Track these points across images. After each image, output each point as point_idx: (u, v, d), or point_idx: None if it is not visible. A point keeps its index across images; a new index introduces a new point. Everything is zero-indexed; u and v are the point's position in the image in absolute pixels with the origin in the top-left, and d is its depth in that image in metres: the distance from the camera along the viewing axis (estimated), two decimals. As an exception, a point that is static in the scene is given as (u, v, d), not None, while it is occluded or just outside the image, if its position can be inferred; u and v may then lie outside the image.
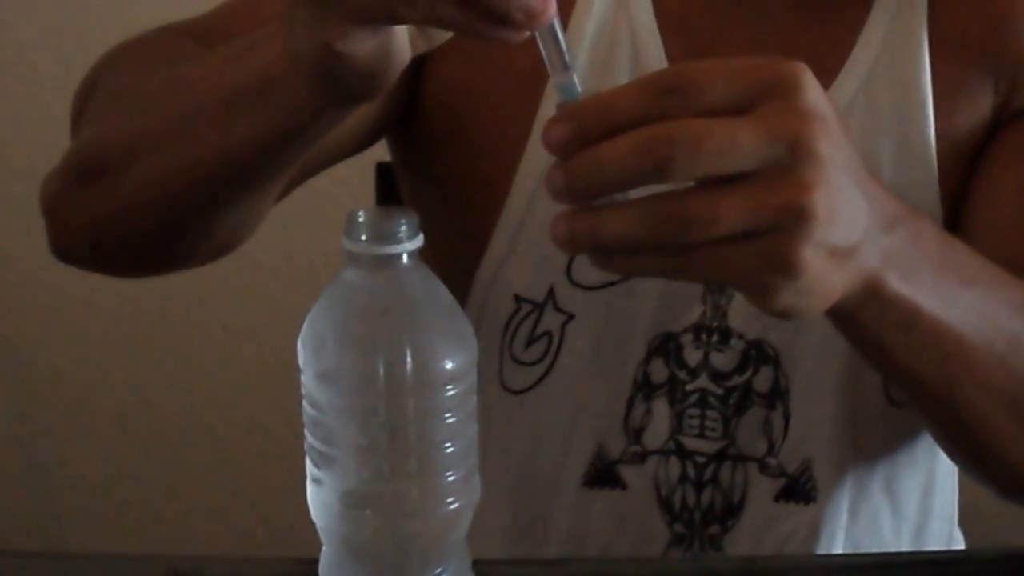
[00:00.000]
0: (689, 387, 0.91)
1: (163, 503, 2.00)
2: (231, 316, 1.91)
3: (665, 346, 0.92)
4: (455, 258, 0.96)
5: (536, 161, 0.90)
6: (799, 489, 0.92)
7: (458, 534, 0.69)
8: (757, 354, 0.91)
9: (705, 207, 0.60)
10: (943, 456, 0.90)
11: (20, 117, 1.83)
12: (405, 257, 0.66)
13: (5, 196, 1.81)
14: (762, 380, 0.91)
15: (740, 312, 0.90)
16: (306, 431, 0.68)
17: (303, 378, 0.67)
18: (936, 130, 0.88)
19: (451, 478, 0.67)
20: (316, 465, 0.67)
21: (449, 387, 0.66)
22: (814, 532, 0.92)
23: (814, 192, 0.60)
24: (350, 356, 0.66)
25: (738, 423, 0.91)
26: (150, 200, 0.81)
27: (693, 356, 0.91)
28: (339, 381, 0.66)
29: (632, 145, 0.60)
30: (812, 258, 0.61)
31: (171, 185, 0.80)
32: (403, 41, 0.70)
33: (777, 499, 0.92)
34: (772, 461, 0.92)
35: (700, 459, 0.92)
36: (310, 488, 0.68)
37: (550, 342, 0.93)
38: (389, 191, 1.08)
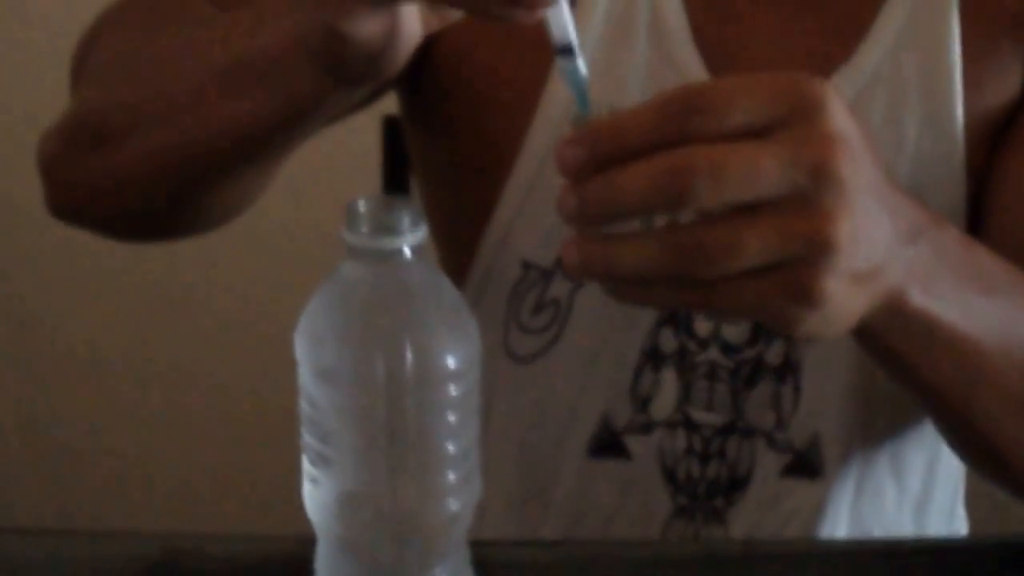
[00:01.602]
0: (699, 358, 0.89)
1: (160, 480, 1.99)
2: (231, 291, 1.90)
3: (675, 316, 0.89)
4: (462, 219, 0.93)
5: (548, 122, 0.88)
6: (806, 464, 0.90)
7: (458, 533, 0.67)
8: None
9: (727, 240, 0.57)
10: None
11: (25, 63, 1.80)
12: (407, 250, 0.64)
13: (14, 142, 1.80)
14: (773, 353, 0.89)
15: None
16: (302, 428, 0.66)
17: (300, 373, 0.65)
18: (964, 102, 0.85)
19: (452, 478, 0.65)
20: (313, 464, 0.65)
21: (451, 385, 0.64)
22: (819, 508, 0.90)
23: (839, 222, 0.57)
24: (349, 354, 0.63)
25: (747, 396, 0.89)
26: (151, 171, 0.79)
27: (704, 327, 0.89)
28: (338, 379, 0.63)
29: (650, 173, 0.57)
30: (836, 287, 0.59)
31: (173, 158, 0.78)
32: (412, 22, 0.67)
33: (783, 474, 0.90)
34: (780, 435, 0.90)
35: (707, 432, 0.90)
36: (306, 486, 0.66)
37: (558, 310, 0.91)
38: (395, 146, 1.06)
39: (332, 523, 0.66)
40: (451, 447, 0.65)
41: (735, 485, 0.91)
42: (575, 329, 0.91)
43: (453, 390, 0.64)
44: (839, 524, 0.91)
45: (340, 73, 0.69)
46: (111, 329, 1.96)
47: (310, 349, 0.64)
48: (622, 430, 0.91)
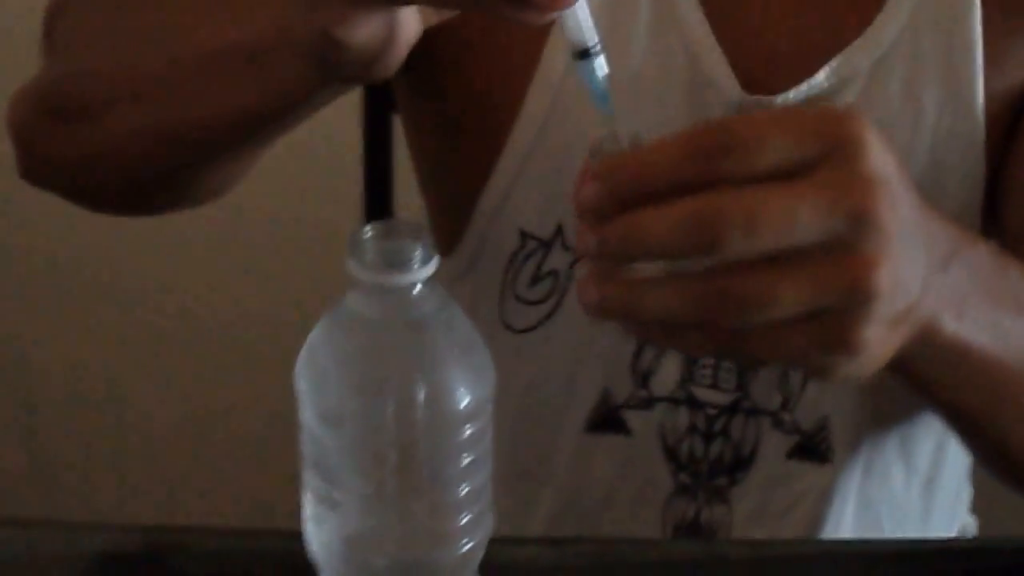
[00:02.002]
0: None
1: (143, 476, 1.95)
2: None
3: None
4: (456, 186, 0.88)
5: (547, 86, 0.83)
6: (814, 448, 0.87)
7: (469, 570, 0.64)
8: None
9: (762, 288, 0.53)
10: None
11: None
12: (419, 285, 0.59)
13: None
14: None
15: None
16: (305, 466, 0.62)
17: (302, 413, 0.61)
18: (984, 78, 0.81)
19: (465, 519, 0.62)
20: (317, 503, 0.62)
21: (466, 426, 0.60)
22: (827, 493, 0.88)
23: (879, 269, 0.54)
24: (356, 396, 0.59)
25: (753, 376, 0.86)
26: (130, 151, 0.74)
27: None
28: (343, 423, 0.59)
29: (679, 219, 0.53)
30: (874, 333, 0.55)
31: (152, 140, 0.73)
32: (411, 23, 0.62)
33: (789, 456, 0.87)
34: (787, 416, 0.87)
35: (711, 410, 0.87)
36: (308, 525, 0.63)
37: (556, 281, 0.87)
38: (377, 105, 1.01)
39: (337, 563, 0.62)
40: (465, 488, 0.61)
41: (739, 465, 0.88)
42: (574, 301, 0.86)
43: (468, 430, 0.60)
44: (846, 507, 0.89)
45: (333, 74, 0.64)
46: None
47: (313, 389, 0.60)
48: (621, 405, 0.88)
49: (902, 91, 0.81)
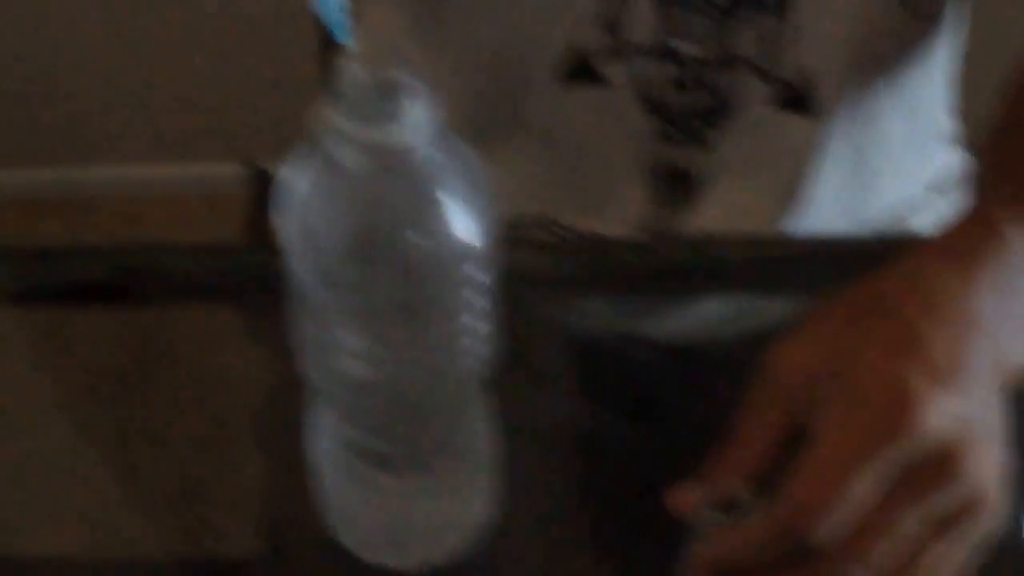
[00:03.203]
0: None
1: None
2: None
3: None
4: None
5: None
6: (799, 100, 0.82)
7: (469, 395, 0.62)
8: None
9: None
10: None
11: None
12: (414, 142, 0.52)
13: None
14: None
15: None
16: (296, 307, 0.57)
17: (288, 260, 0.55)
18: None
19: (464, 346, 0.58)
20: (312, 342, 0.58)
21: (464, 265, 0.56)
22: (813, 144, 0.84)
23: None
24: (346, 258, 0.54)
25: (734, 27, 0.79)
26: None
27: None
28: (333, 283, 0.54)
29: None
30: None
31: None
32: None
33: (774, 107, 0.83)
34: (770, 68, 0.81)
35: (690, 62, 0.81)
36: (309, 354, 0.59)
37: None
38: None
39: (336, 392, 0.59)
40: (465, 318, 0.57)
41: (721, 113, 0.83)
42: None
43: (466, 268, 0.56)
44: (839, 162, 0.85)
45: None
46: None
47: (299, 247, 0.54)
48: (592, 54, 0.82)
49: None
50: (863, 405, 0.56)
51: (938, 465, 0.56)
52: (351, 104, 0.52)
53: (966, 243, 0.62)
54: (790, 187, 0.85)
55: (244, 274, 0.78)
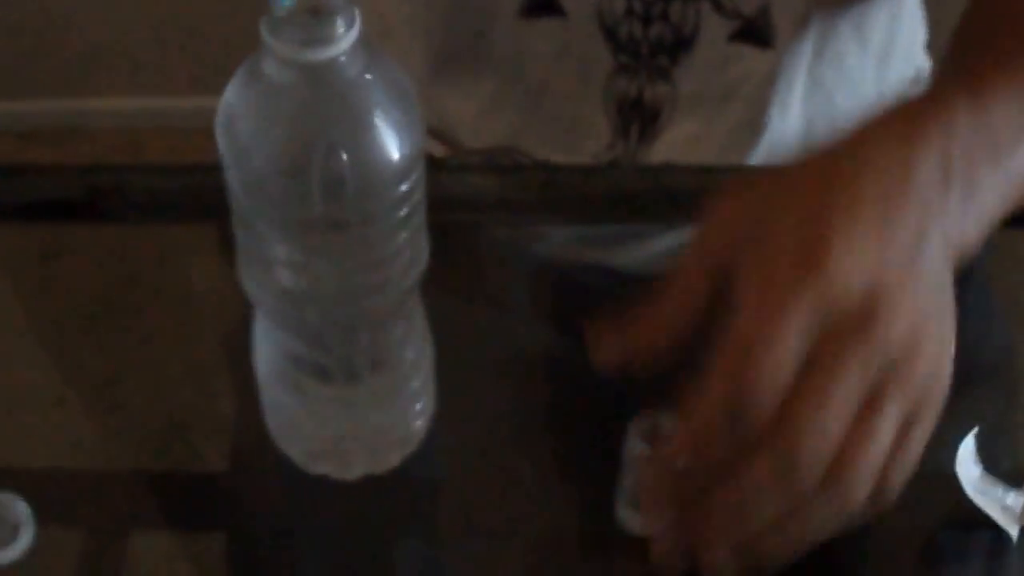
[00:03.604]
0: None
1: None
2: None
3: None
4: None
5: None
6: (756, 32, 0.83)
7: (406, 306, 0.63)
8: None
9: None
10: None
11: None
12: (342, 57, 0.54)
13: None
14: None
15: None
16: (233, 219, 0.59)
17: (226, 172, 0.57)
18: None
19: (401, 260, 0.60)
20: (246, 254, 0.60)
21: (401, 185, 0.57)
22: (771, 76, 0.85)
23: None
24: (278, 170, 0.55)
25: None
26: None
27: None
28: (266, 194, 0.56)
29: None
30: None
31: None
32: None
33: (732, 39, 0.84)
34: (726, 1, 0.82)
35: None
36: (241, 259, 0.61)
37: None
38: None
39: (272, 306, 0.61)
40: (402, 235, 0.59)
41: (680, 46, 0.84)
42: None
43: (402, 187, 0.57)
44: (794, 91, 0.86)
45: None
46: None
47: (233, 156, 0.56)
48: None
49: None
50: (775, 263, 0.54)
51: (861, 314, 0.54)
52: (284, 24, 0.53)
53: (913, 110, 0.61)
54: (751, 120, 0.86)
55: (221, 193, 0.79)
